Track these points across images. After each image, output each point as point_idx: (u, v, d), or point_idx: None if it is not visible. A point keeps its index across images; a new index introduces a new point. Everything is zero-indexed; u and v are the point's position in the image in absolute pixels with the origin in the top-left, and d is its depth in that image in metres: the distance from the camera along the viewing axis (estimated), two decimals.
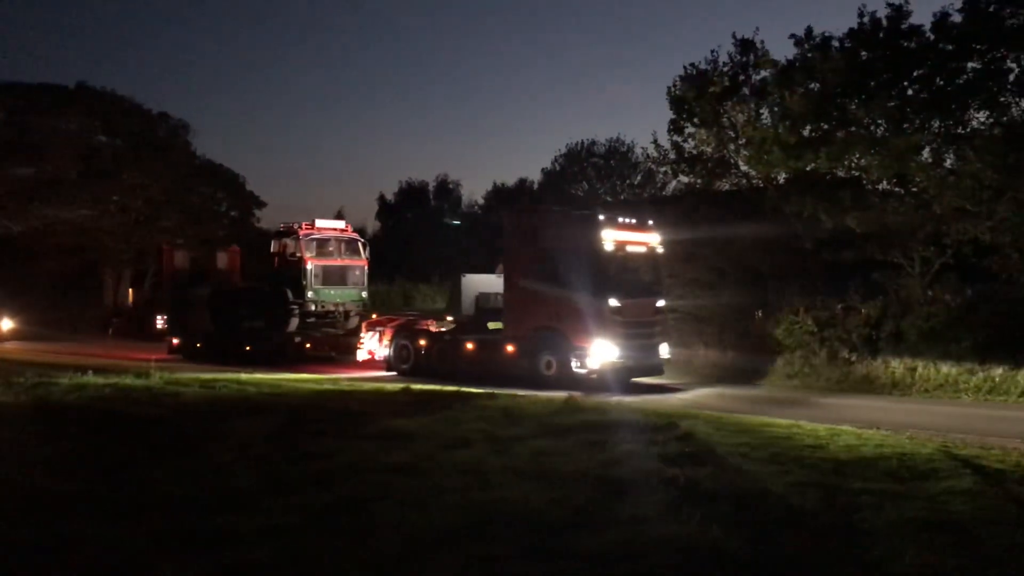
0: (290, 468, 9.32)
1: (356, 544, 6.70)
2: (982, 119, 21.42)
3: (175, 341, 28.09)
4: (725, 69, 24.33)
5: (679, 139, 25.21)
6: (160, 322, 30.42)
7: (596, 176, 50.99)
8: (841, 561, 6.48)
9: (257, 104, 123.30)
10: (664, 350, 19.59)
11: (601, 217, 19.11)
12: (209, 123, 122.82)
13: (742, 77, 24.37)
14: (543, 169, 54.26)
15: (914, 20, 22.32)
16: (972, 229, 20.76)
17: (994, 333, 19.20)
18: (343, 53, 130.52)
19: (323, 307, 26.12)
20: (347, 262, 26.79)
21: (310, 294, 25.77)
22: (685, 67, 24.98)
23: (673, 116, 24.99)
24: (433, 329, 21.99)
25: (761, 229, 23.33)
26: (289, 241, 26.20)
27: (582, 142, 52.18)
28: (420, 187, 58.07)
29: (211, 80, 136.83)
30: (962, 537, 7.00)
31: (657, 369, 19.52)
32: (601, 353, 18.26)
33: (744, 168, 23.97)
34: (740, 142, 23.32)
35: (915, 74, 22.00)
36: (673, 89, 24.71)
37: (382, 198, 58.20)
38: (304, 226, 26.35)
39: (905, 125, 21.24)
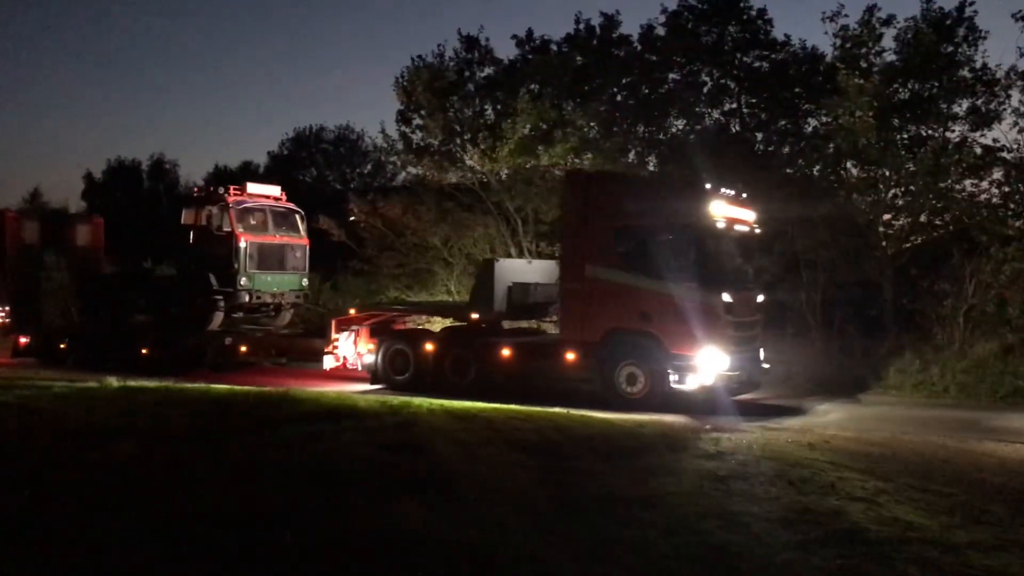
0: None
1: None
2: (680, 126, 23.50)
3: (23, 340, 21.67)
4: (452, 64, 24.83)
5: (407, 130, 25.39)
6: None
7: (325, 163, 50.18)
8: (555, 535, 6.81)
9: None
10: (762, 358, 15.78)
11: (708, 186, 14.95)
12: None
13: (468, 73, 25.00)
14: (269, 152, 52.56)
15: (624, 30, 24.07)
16: None
17: None
18: (41, 18, 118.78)
19: (258, 298, 19.75)
20: (287, 239, 20.32)
21: (243, 281, 19.24)
22: (413, 59, 25.23)
23: (401, 107, 25.15)
24: (438, 329, 17.73)
25: (488, 221, 24.12)
26: (213, 210, 19.35)
27: (311, 127, 51.08)
28: (132, 166, 54.06)
29: None
30: (653, 507, 7.63)
31: (756, 383, 15.59)
32: (712, 364, 14.16)
33: (470, 162, 24.56)
34: (466, 136, 23.90)
35: (624, 81, 23.67)
36: (401, 80, 24.84)
37: (89, 176, 53.62)
38: (233, 191, 19.77)
39: (614, 128, 22.77)
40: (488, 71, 24.98)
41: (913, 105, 20.81)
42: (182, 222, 19.99)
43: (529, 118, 22.48)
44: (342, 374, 17.84)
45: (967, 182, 20.80)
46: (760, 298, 15.73)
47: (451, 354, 16.53)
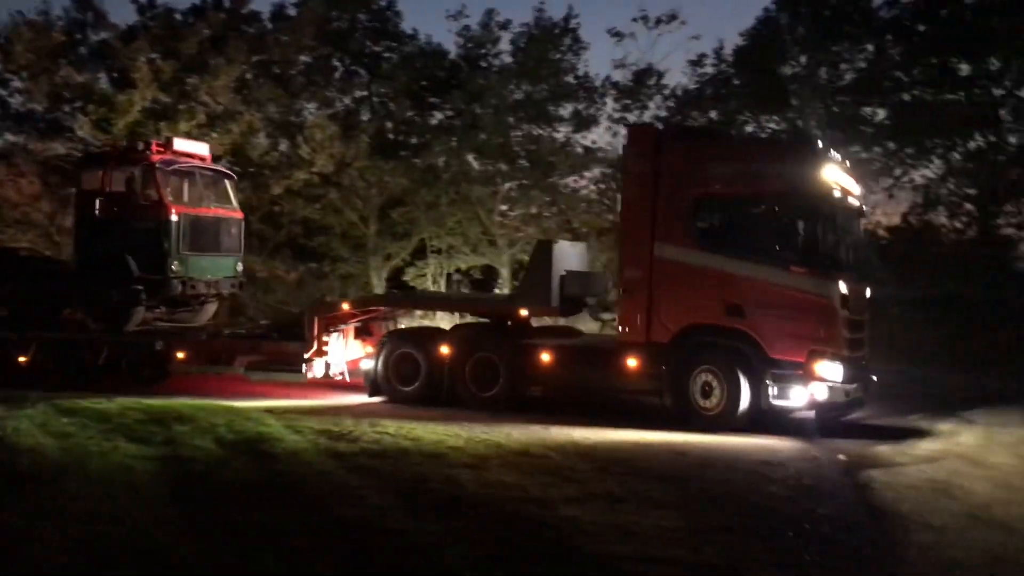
0: None
1: None
2: (312, 109, 23.52)
3: None
4: (60, 24, 22.61)
5: (4, 93, 22.76)
6: None
7: None
8: (176, 524, 6.65)
9: None
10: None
11: (820, 145, 11.90)
12: None
13: (79, 36, 22.93)
14: None
15: (256, 7, 23.62)
16: (303, 210, 22.64)
17: None
18: None
19: (192, 287, 15.03)
20: (221, 212, 15.65)
21: (175, 265, 14.51)
22: (11, 15, 22.66)
23: None
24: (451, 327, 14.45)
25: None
26: (135, 173, 14.50)
27: None
28: None
29: None
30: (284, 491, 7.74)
31: (861, 400, 12.12)
32: (826, 374, 11.06)
33: (81, 133, 22.54)
34: (76, 104, 21.93)
35: (255, 59, 23.14)
36: None
37: None
38: (156, 147, 15.04)
39: (244, 107, 22.18)
40: (103, 36, 23.07)
41: (526, 106, 22.73)
42: (84, 188, 15.18)
43: (148, 90, 21.17)
44: (322, 384, 14.33)
45: (571, 178, 23.22)
46: (868, 292, 12.55)
47: (474, 359, 13.22)
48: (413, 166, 22.68)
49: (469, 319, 15.46)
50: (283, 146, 23.06)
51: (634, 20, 22.13)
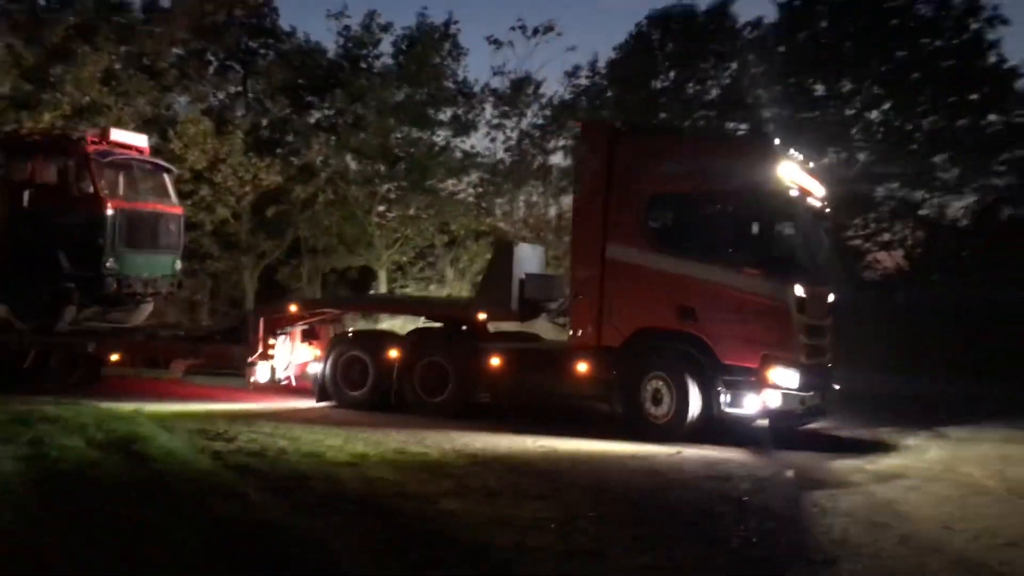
0: None
1: None
2: (184, 104, 23.03)
3: None
4: None
5: None
6: None
7: None
8: (51, 525, 6.53)
9: None
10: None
11: (777, 142, 11.40)
12: None
13: None
14: None
15: None
16: None
17: None
18: None
19: (128, 286, 14.17)
20: (159, 207, 14.79)
21: (110, 262, 13.70)
22: None
23: None
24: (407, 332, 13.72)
25: None
26: (69, 163, 13.72)
27: None
28: None
29: None
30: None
31: (823, 410, 11.54)
32: (780, 380, 10.60)
33: None
34: None
35: (124, 50, 22.42)
36: None
37: None
38: (90, 138, 14.13)
39: (113, 100, 21.48)
40: None
41: (407, 108, 22.86)
42: (11, 178, 14.14)
43: (7, 77, 20.23)
44: (267, 389, 13.59)
45: (449, 182, 23.47)
46: (831, 297, 11.93)
47: (422, 364, 12.74)
48: (289, 163, 22.44)
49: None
50: (153, 141, 22.38)
51: (512, 29, 22.68)
